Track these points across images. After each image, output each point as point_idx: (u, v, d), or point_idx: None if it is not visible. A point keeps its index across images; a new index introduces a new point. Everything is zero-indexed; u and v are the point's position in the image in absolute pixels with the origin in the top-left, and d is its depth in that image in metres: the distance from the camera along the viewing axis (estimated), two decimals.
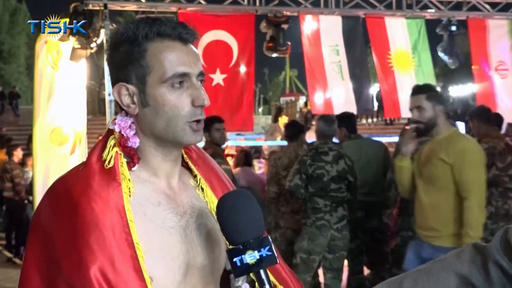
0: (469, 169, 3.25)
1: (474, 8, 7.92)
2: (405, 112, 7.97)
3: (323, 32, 7.48)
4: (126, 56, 1.25)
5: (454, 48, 7.86)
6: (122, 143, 1.26)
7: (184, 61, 1.24)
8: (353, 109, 7.30)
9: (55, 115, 6.13)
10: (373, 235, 5.14)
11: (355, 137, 5.28)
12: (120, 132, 1.27)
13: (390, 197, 4.65)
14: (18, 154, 9.05)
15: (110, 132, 1.28)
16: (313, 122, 12.66)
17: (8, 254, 8.60)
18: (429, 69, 8.05)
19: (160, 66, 1.23)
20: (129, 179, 1.23)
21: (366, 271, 5.48)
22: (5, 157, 9.35)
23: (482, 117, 4.89)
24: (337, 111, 7.50)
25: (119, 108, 1.30)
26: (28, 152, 8.82)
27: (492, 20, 8.01)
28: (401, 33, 7.77)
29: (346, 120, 5.42)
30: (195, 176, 1.37)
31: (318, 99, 7.90)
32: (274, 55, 7.52)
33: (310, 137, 7.01)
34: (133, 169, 1.26)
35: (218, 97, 7.04)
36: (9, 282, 7.01)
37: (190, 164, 1.38)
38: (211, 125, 4.92)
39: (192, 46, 1.28)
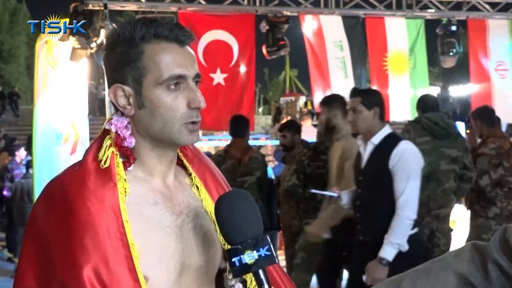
0: None
1: (474, 8, 7.90)
2: (394, 116, 7.94)
3: (326, 28, 7.45)
4: (122, 57, 1.24)
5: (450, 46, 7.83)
6: (118, 143, 1.25)
7: (180, 63, 1.24)
8: None
9: (55, 115, 6.10)
10: None
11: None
12: (116, 132, 1.27)
13: None
14: (20, 154, 9.03)
15: (106, 132, 1.28)
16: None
17: (8, 254, 8.59)
18: (424, 71, 8.02)
19: (156, 68, 1.22)
20: (124, 179, 1.23)
21: None
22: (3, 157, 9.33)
23: (485, 118, 4.79)
24: None
25: (115, 109, 1.29)
26: (28, 153, 8.81)
27: (492, 20, 7.99)
28: (400, 34, 7.74)
29: None
30: (189, 175, 1.37)
31: (320, 98, 7.85)
32: (274, 55, 7.51)
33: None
34: (129, 169, 1.26)
35: (219, 96, 7.02)
36: (8, 282, 7.01)
37: (185, 162, 1.38)
38: None
39: (189, 48, 1.28)
